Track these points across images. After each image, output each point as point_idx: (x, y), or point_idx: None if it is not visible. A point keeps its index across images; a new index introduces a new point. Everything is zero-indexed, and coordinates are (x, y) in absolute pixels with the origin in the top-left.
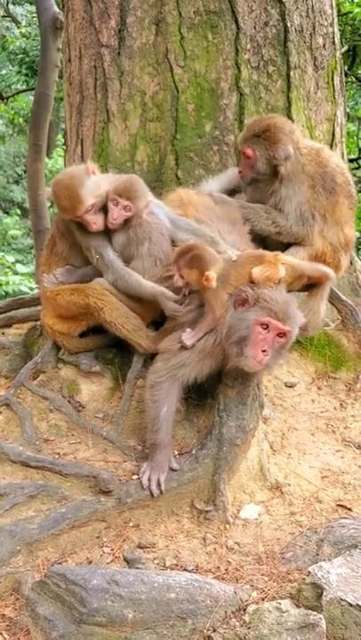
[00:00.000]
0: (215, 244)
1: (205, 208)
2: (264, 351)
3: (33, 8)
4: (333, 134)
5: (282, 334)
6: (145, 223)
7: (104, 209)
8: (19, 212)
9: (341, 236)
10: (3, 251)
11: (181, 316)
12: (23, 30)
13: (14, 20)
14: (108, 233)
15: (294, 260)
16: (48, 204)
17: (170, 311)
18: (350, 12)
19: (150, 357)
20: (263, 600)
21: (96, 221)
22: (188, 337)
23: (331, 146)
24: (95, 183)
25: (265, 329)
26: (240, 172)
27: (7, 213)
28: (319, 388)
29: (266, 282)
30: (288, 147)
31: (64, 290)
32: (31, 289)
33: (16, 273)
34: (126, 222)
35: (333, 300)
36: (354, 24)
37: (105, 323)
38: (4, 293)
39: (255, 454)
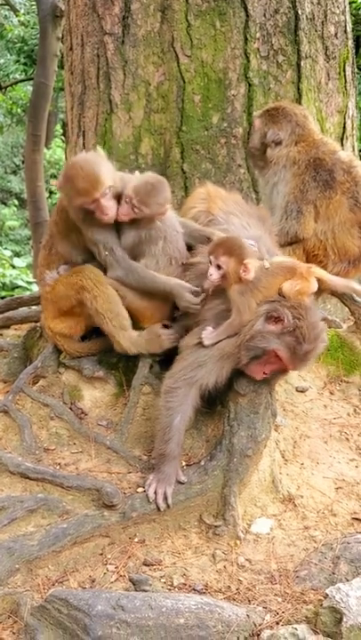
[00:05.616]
0: None
1: (235, 203)
2: (265, 374)
3: None
4: (344, 127)
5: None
6: (158, 223)
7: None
8: (16, 202)
9: (331, 236)
10: (0, 243)
11: (204, 312)
12: (22, 18)
13: (12, 8)
14: (117, 228)
15: (326, 273)
16: (46, 195)
17: (186, 303)
18: (354, 2)
19: (158, 362)
20: (278, 624)
21: (110, 209)
22: (208, 336)
23: (341, 139)
24: (110, 167)
25: (276, 358)
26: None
27: (5, 204)
28: (332, 393)
29: (297, 296)
30: (280, 133)
31: (62, 277)
32: (28, 282)
33: (13, 267)
34: (135, 220)
35: (346, 300)
36: (358, 14)
37: (94, 313)
38: (0, 285)
39: (267, 465)
